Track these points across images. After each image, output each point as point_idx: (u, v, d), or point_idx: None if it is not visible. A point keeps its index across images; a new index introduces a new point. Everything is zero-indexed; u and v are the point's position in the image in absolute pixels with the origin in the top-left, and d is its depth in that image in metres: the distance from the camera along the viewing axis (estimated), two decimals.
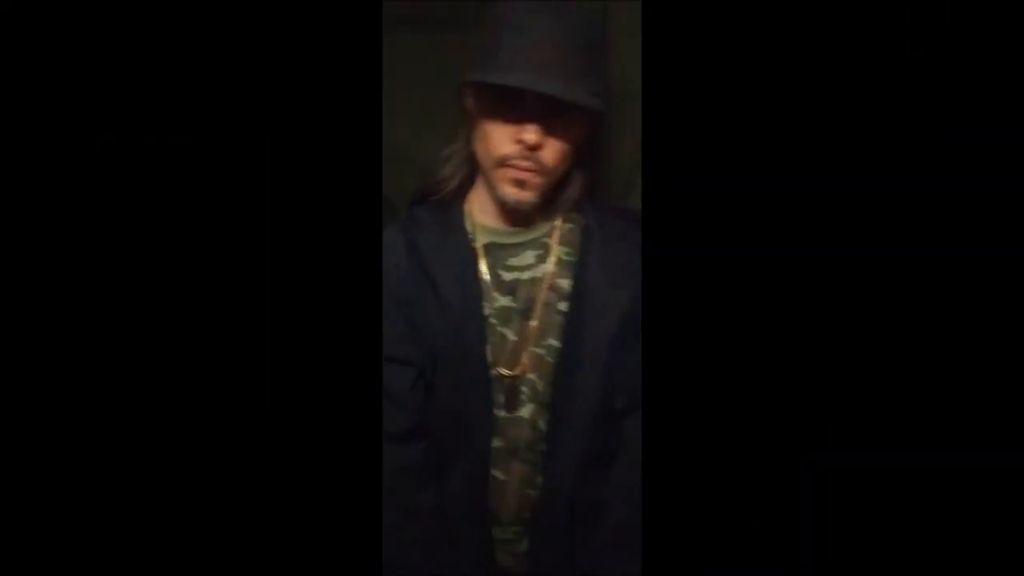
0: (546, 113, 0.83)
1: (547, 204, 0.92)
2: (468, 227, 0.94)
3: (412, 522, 0.89)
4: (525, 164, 0.85)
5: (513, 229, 0.93)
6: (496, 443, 0.91)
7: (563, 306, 0.91)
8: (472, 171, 0.93)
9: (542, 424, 0.91)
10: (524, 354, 0.90)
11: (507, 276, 0.92)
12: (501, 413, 0.91)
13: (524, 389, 0.91)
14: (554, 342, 0.91)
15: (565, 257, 0.93)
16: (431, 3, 1.26)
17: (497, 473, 0.91)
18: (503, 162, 0.86)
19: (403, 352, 0.89)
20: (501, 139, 0.86)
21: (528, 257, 0.93)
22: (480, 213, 0.94)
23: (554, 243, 0.93)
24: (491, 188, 0.90)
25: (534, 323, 0.90)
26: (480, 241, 0.93)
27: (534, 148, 0.84)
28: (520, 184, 0.86)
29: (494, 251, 0.93)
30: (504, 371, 0.90)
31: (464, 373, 0.90)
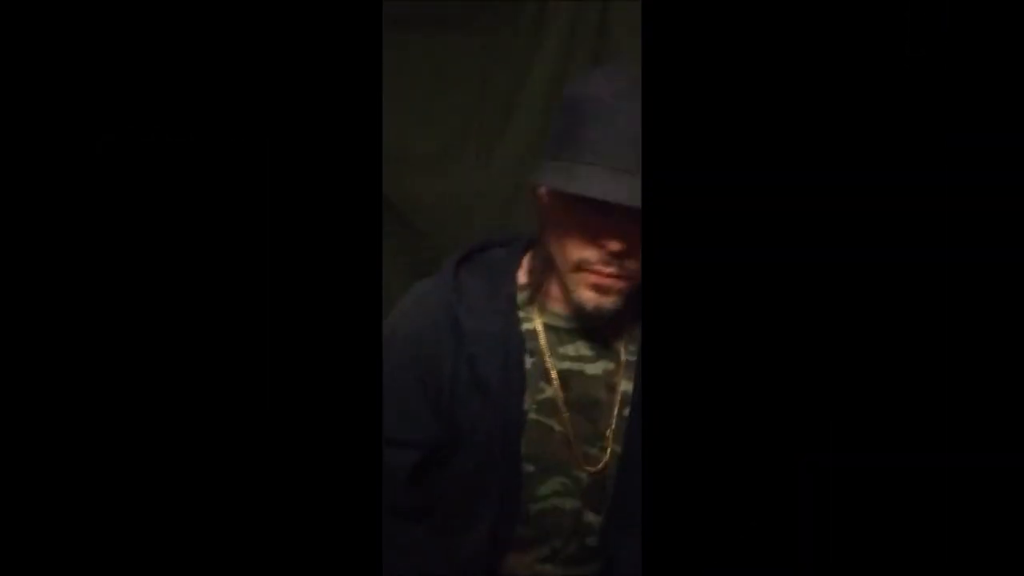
0: (633, 220, 0.71)
1: (629, 310, 0.82)
2: (520, 302, 0.85)
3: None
4: (608, 271, 0.77)
5: (576, 319, 0.84)
6: (521, 531, 0.85)
7: (626, 411, 0.84)
8: (546, 268, 0.84)
9: (592, 518, 0.85)
10: (581, 453, 0.83)
11: (559, 365, 0.84)
12: (556, 502, 0.84)
13: (566, 481, 0.84)
14: (616, 447, 0.84)
15: (629, 357, 0.85)
16: (431, 3, 1.27)
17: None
18: (582, 267, 0.78)
19: (409, 437, 0.83)
20: (581, 243, 0.77)
21: (580, 348, 0.85)
22: (546, 297, 0.85)
23: (610, 335, 0.85)
24: (564, 289, 0.82)
25: (593, 424, 0.84)
26: (536, 321, 0.85)
27: (618, 256, 0.76)
28: (601, 290, 0.78)
29: (549, 335, 0.85)
30: (588, 468, 0.83)
31: (493, 470, 0.82)
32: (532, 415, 0.83)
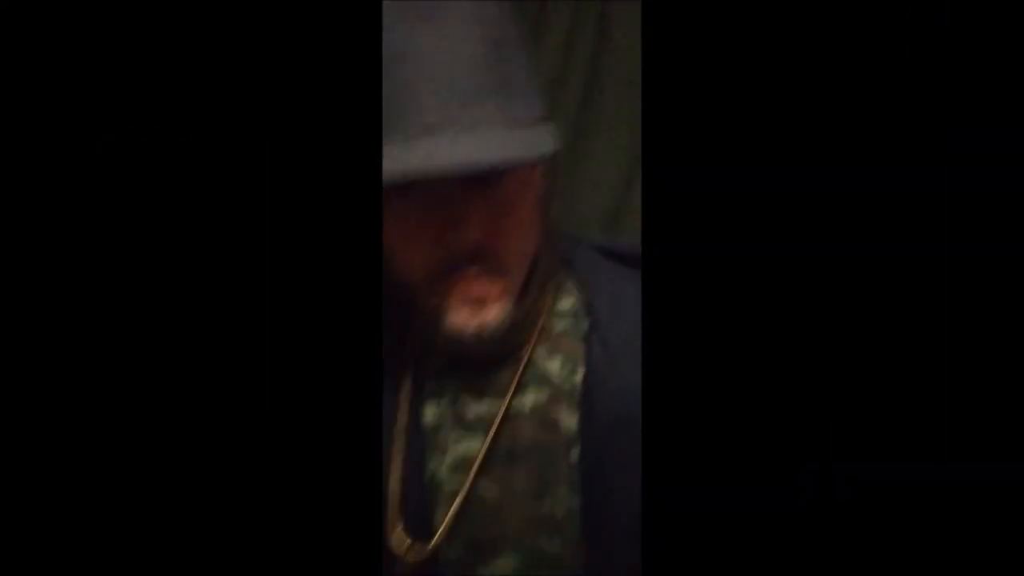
0: (480, 187, 0.57)
1: (522, 312, 0.63)
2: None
3: None
4: (474, 273, 0.59)
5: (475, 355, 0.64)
6: None
7: (574, 453, 0.62)
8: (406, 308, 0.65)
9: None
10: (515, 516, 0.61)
11: (472, 412, 0.64)
12: None
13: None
14: (570, 503, 0.62)
15: (559, 382, 0.64)
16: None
17: None
18: (440, 279, 0.59)
19: None
20: (427, 249, 0.59)
21: (500, 380, 0.64)
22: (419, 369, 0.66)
23: (540, 359, 0.64)
24: (434, 326, 0.62)
25: (531, 473, 0.62)
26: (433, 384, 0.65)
27: (479, 248, 0.58)
28: (475, 301, 0.59)
29: (457, 394, 0.65)
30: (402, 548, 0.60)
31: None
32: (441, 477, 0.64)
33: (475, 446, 0.62)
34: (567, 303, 0.67)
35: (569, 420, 0.62)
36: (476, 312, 0.59)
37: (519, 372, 0.63)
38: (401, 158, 0.56)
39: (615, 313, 0.64)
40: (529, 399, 0.63)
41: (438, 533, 0.60)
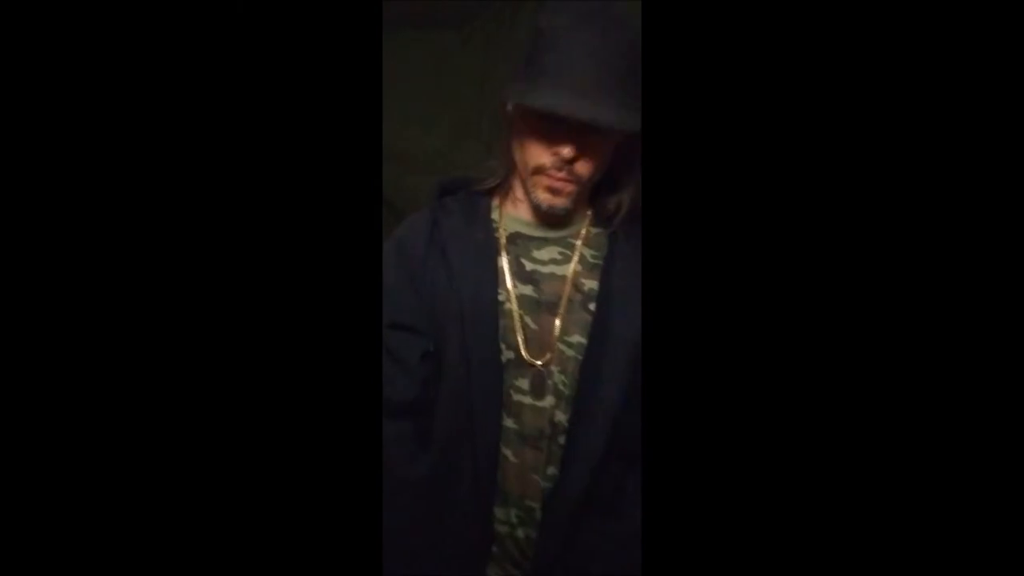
0: (583, 131, 0.87)
1: (579, 209, 0.97)
2: (495, 216, 0.99)
3: (406, 493, 0.91)
4: (560, 175, 0.91)
5: (541, 225, 0.98)
6: (509, 424, 0.92)
7: (591, 305, 0.94)
8: (509, 174, 0.98)
9: (561, 417, 0.92)
10: (550, 346, 0.93)
11: (529, 266, 0.96)
12: (523, 399, 0.92)
13: (548, 381, 0.93)
14: (580, 339, 0.93)
15: (591, 259, 0.97)
16: (431, 3, 1.27)
17: (507, 453, 0.92)
18: (539, 171, 0.91)
19: (413, 322, 0.93)
20: (538, 151, 0.91)
21: (552, 252, 0.97)
22: (511, 206, 0.99)
23: (579, 244, 0.97)
24: (526, 192, 0.95)
25: (558, 318, 0.94)
26: (505, 230, 0.98)
27: (570, 162, 0.89)
28: (554, 192, 0.92)
29: (519, 241, 0.97)
30: (531, 359, 0.92)
31: (475, 355, 0.92)
32: (510, 307, 0.94)
33: (531, 293, 0.95)
34: (606, 222, 1.00)
35: (591, 284, 0.96)
36: (553, 196, 0.92)
37: (566, 249, 0.98)
38: (542, 96, 0.86)
39: (633, 238, 0.97)
40: (567, 268, 0.97)
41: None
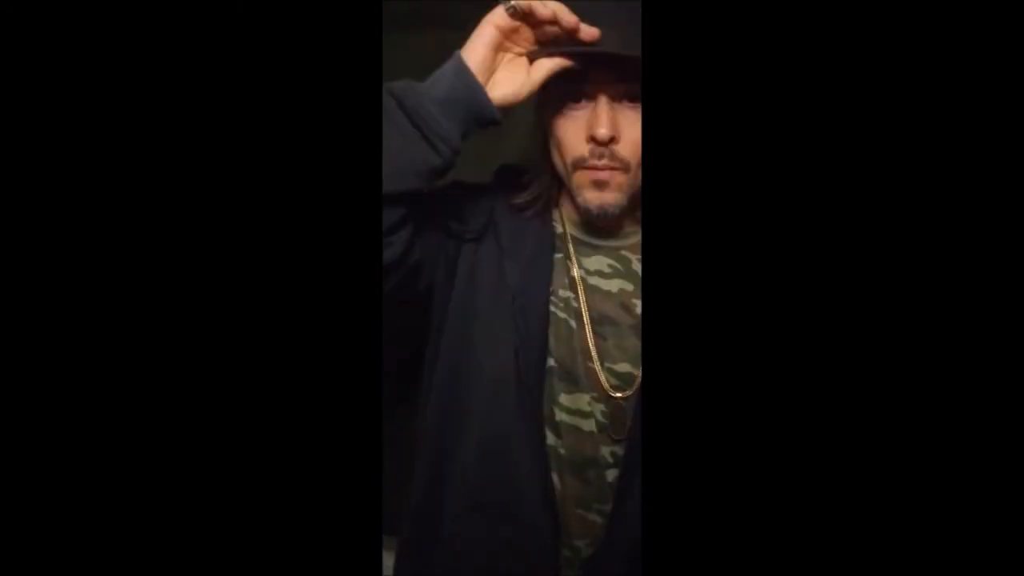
0: (614, 101, 0.79)
1: (635, 209, 0.86)
2: (555, 216, 0.90)
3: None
4: (602, 163, 0.81)
5: (593, 230, 0.88)
6: (554, 445, 0.84)
7: (639, 331, 0.83)
8: (555, 183, 0.89)
9: (606, 453, 0.84)
10: (586, 368, 0.84)
11: (575, 272, 0.87)
12: (566, 418, 0.84)
13: (595, 407, 0.84)
14: (630, 369, 0.84)
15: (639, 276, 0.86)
16: (431, 3, 1.27)
17: (553, 476, 0.84)
18: (579, 165, 0.82)
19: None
20: (572, 139, 0.82)
21: (600, 263, 0.88)
22: (568, 208, 0.90)
23: (635, 259, 0.87)
24: (574, 198, 0.85)
25: (601, 339, 0.84)
26: (561, 230, 0.90)
27: (608, 143, 0.80)
28: (600, 185, 0.82)
29: (572, 244, 0.88)
30: (611, 391, 0.83)
31: (522, 355, 0.83)
32: (552, 308, 0.86)
33: (575, 306, 0.86)
34: None
35: (639, 307, 0.85)
36: (601, 192, 0.82)
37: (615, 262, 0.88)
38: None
39: None
40: (616, 284, 0.87)
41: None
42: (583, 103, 0.81)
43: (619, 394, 0.84)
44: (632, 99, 0.80)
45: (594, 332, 0.85)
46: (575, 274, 0.87)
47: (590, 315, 0.85)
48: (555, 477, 0.84)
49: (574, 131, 0.82)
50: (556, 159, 0.85)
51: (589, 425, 0.84)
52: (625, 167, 0.81)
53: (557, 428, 0.84)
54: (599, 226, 0.87)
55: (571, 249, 0.88)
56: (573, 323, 0.86)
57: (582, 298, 0.86)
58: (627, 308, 0.86)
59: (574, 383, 0.85)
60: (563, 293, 0.87)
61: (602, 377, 0.84)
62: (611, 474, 0.84)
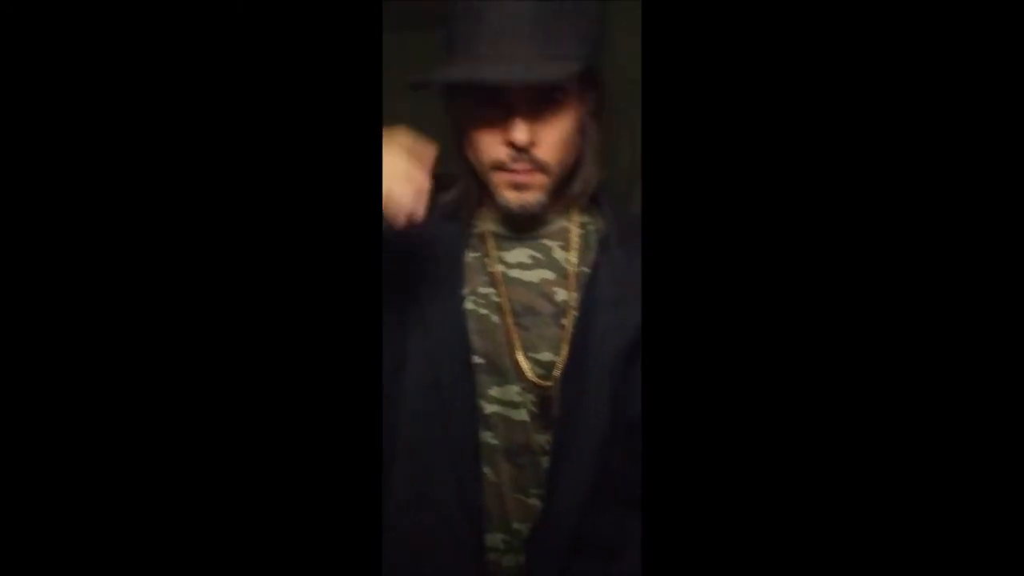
0: (531, 104, 0.77)
1: (559, 202, 0.86)
2: (476, 214, 0.89)
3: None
4: (520, 166, 0.80)
5: (514, 225, 0.87)
6: (487, 439, 0.85)
7: (564, 320, 0.84)
8: (476, 181, 0.87)
9: (541, 441, 0.85)
10: (519, 360, 0.84)
11: (495, 267, 0.86)
12: (497, 409, 0.85)
13: (525, 397, 0.85)
14: (550, 356, 0.85)
15: (568, 267, 0.87)
16: (431, 3, 1.26)
17: (487, 471, 0.85)
18: (497, 167, 0.81)
19: None
20: (489, 143, 0.80)
21: (521, 255, 0.87)
22: (487, 207, 0.88)
23: (556, 247, 0.87)
24: (493, 196, 0.84)
25: (524, 330, 0.84)
26: (480, 228, 0.88)
27: (526, 147, 0.78)
28: (520, 187, 0.81)
29: (491, 240, 0.87)
30: (538, 380, 0.83)
31: (445, 354, 0.84)
32: (472, 305, 0.85)
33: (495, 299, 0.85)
34: (588, 218, 0.89)
35: (565, 295, 0.85)
36: (521, 193, 0.81)
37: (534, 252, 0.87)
38: (466, 72, 0.77)
39: (620, 240, 0.86)
40: (538, 275, 0.86)
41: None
42: (498, 104, 0.79)
43: (547, 383, 0.84)
44: (548, 101, 0.78)
45: (516, 324, 0.85)
46: (495, 269, 0.86)
47: (512, 308, 0.85)
48: (488, 469, 0.85)
49: (490, 134, 0.80)
50: (472, 159, 0.83)
51: (520, 415, 0.85)
52: (545, 169, 0.80)
53: (488, 421, 0.85)
54: (518, 222, 0.87)
55: (490, 246, 0.87)
56: (495, 318, 0.85)
57: (503, 292, 0.85)
58: (548, 297, 0.86)
59: (502, 376, 0.85)
60: (483, 290, 0.86)
61: (526, 367, 0.84)
62: (545, 460, 0.85)
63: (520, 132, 0.77)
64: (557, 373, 0.84)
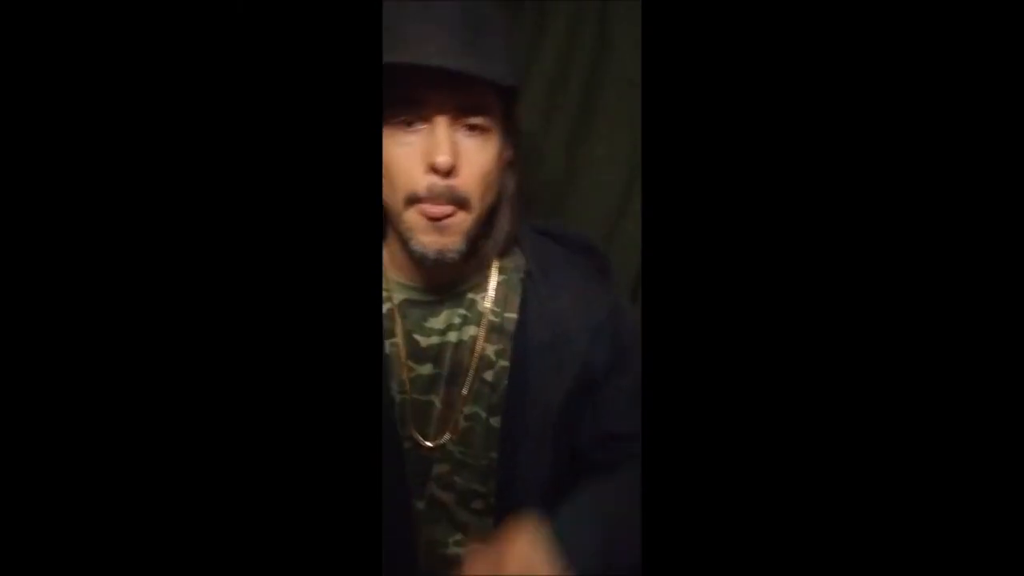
0: (454, 127, 0.72)
1: (475, 252, 0.80)
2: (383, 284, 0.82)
3: None
4: (440, 201, 0.73)
5: (432, 284, 0.82)
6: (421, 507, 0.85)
7: (489, 375, 0.82)
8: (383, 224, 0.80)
9: (479, 487, 0.84)
10: (450, 422, 0.82)
11: (425, 341, 0.82)
12: (438, 492, 0.84)
13: (456, 456, 0.84)
14: (480, 411, 0.83)
15: (493, 318, 0.83)
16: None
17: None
18: (413, 201, 0.74)
19: None
20: (408, 172, 0.73)
21: (450, 316, 0.82)
22: (393, 268, 0.82)
23: (480, 299, 0.83)
24: (403, 241, 0.76)
25: (463, 391, 0.82)
26: (395, 299, 0.82)
27: (448, 172, 0.72)
28: (439, 228, 0.74)
29: (409, 310, 0.82)
30: (423, 441, 0.81)
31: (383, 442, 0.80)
32: (404, 396, 0.82)
33: (431, 371, 0.82)
34: (511, 261, 0.85)
35: (492, 348, 0.82)
36: (439, 235, 0.74)
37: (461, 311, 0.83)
38: (398, 55, 0.71)
39: (553, 271, 0.83)
40: (468, 332, 0.82)
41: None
42: (417, 127, 0.73)
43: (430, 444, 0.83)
44: (471, 127, 0.74)
45: (460, 388, 0.83)
46: (423, 343, 0.81)
47: (452, 371, 0.83)
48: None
49: (408, 160, 0.73)
50: (386, 194, 0.76)
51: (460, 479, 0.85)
52: (465, 205, 0.74)
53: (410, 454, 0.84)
54: (435, 277, 0.81)
55: (406, 321, 0.82)
56: (433, 399, 0.83)
57: (440, 361, 0.82)
58: (472, 350, 0.82)
59: (446, 459, 0.84)
60: (415, 373, 0.83)
61: (467, 427, 0.84)
62: (479, 503, 0.85)
63: (444, 153, 0.71)
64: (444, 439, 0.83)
